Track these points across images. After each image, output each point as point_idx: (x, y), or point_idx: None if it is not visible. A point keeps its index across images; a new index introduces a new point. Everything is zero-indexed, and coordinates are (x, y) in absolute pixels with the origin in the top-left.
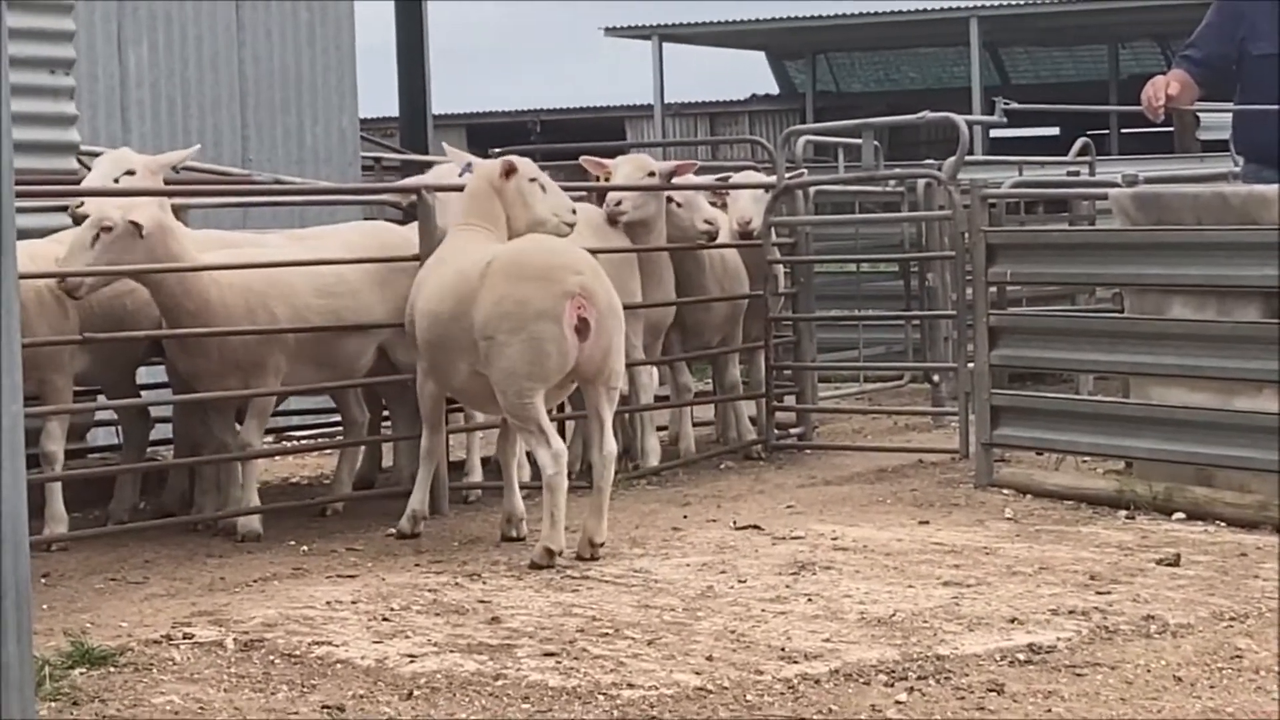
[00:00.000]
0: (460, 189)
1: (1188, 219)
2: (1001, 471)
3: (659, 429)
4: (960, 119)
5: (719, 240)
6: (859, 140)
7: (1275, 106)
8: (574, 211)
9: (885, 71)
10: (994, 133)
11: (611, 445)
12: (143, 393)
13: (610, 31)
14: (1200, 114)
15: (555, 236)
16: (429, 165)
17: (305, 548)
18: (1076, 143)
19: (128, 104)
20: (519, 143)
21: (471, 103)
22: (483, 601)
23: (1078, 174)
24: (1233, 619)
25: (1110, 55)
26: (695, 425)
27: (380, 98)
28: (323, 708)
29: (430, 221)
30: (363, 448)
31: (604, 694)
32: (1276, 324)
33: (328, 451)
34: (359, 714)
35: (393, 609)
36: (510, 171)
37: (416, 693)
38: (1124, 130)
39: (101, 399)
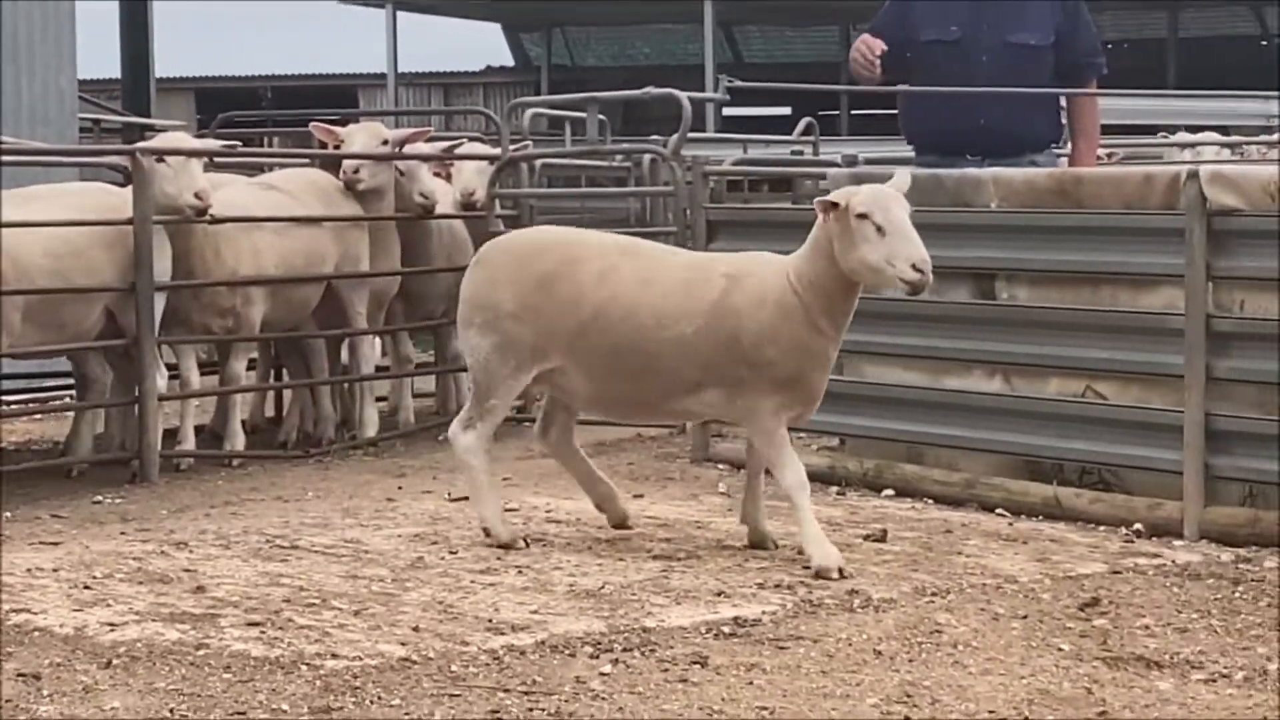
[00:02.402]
0: (192, 154)
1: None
2: (717, 447)
3: (379, 399)
4: (683, 95)
5: (444, 211)
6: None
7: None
8: (916, 266)
9: (620, 47)
10: (726, 111)
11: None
12: None
13: None
14: None
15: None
16: (150, 129)
17: (9, 514)
18: (801, 122)
19: None
20: (250, 109)
21: (200, 66)
22: (188, 570)
23: (801, 153)
24: (934, 594)
25: (842, 36)
26: (416, 397)
27: (103, 59)
28: (18, 676)
29: (145, 186)
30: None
31: (307, 664)
32: (985, 305)
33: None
34: (55, 683)
35: (95, 577)
36: (829, 209)
37: (115, 661)
38: (853, 111)
39: None
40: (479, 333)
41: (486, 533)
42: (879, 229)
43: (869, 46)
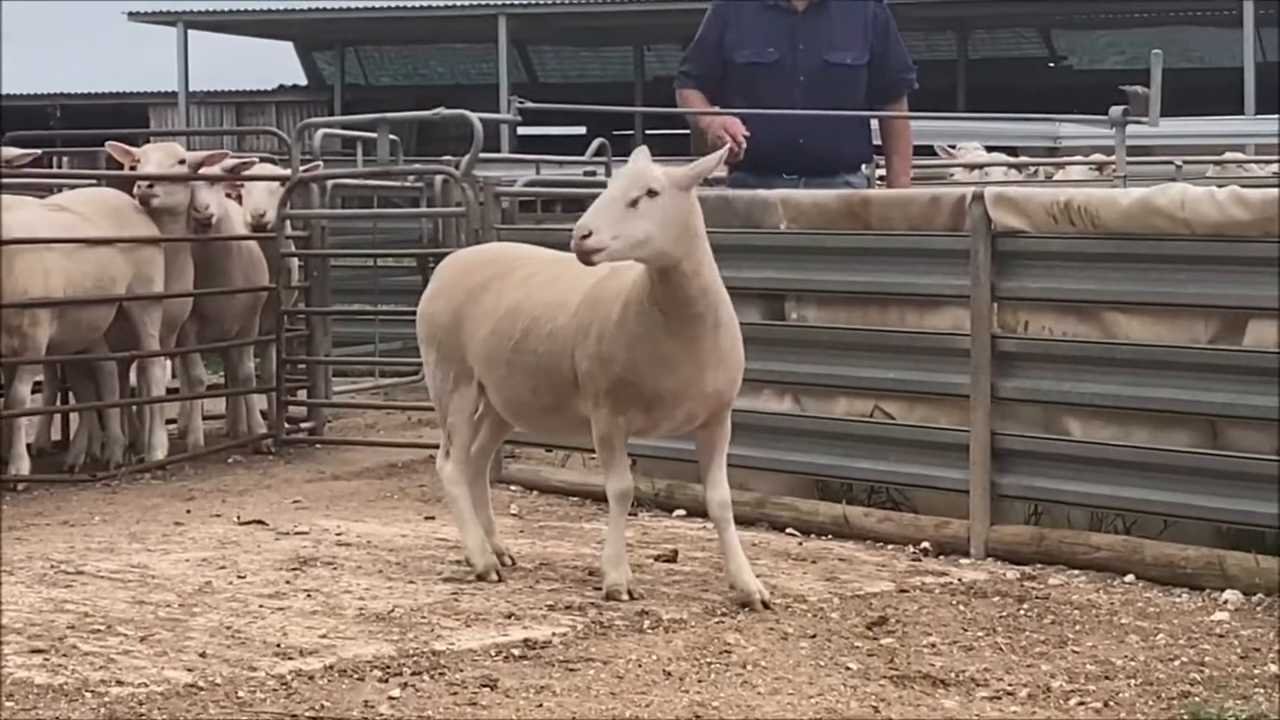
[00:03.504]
0: None
1: None
2: (510, 468)
3: (169, 422)
4: (474, 116)
5: (237, 231)
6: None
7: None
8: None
9: (414, 66)
10: (521, 130)
11: None
12: None
13: (134, 16)
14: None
15: None
16: None
17: None
18: (594, 142)
19: None
20: (38, 128)
21: None
22: None
23: (594, 174)
24: (724, 614)
25: (636, 56)
26: (206, 419)
27: None
28: None
29: None
30: None
31: (91, 691)
32: (774, 325)
33: None
34: None
35: None
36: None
37: None
38: (648, 131)
39: None
40: (424, 347)
41: (467, 562)
42: None
43: (732, 134)
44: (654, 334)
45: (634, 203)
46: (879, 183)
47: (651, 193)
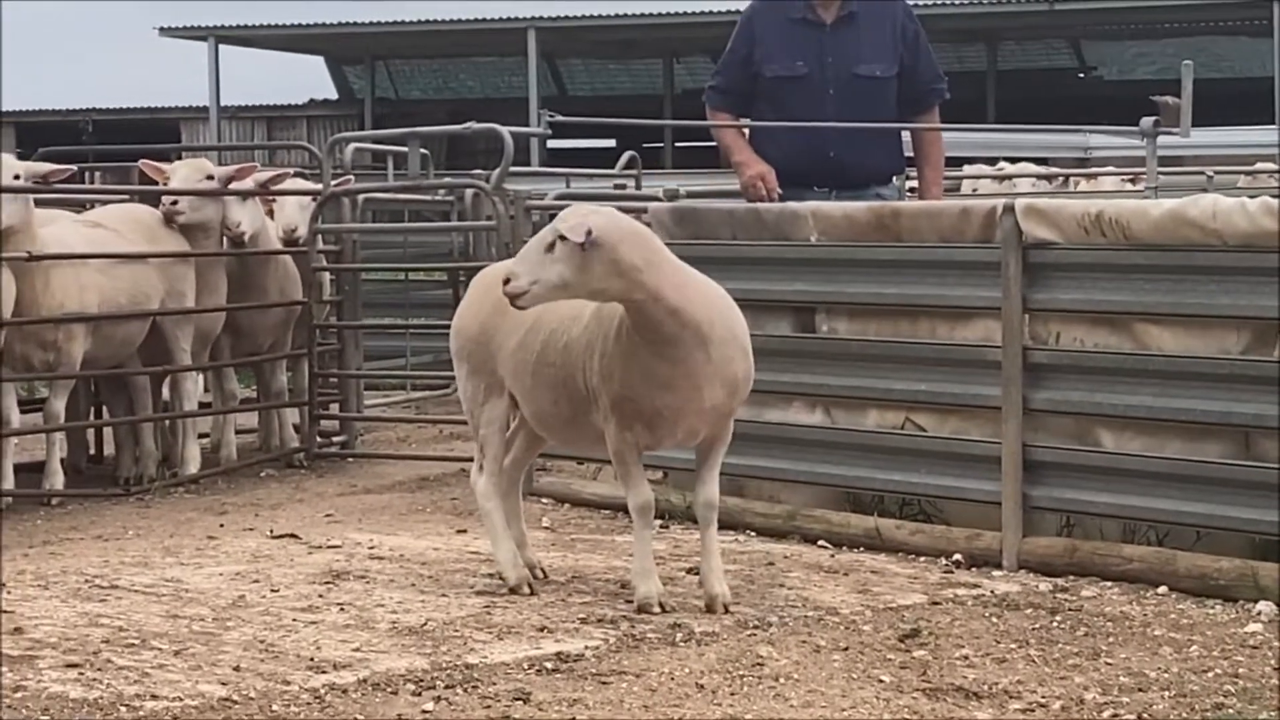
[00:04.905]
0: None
1: (724, 234)
2: (541, 480)
3: (201, 436)
4: (504, 130)
5: (271, 245)
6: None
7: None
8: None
9: (444, 79)
10: (551, 143)
11: None
12: None
13: (165, 32)
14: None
15: None
16: None
17: None
18: (624, 155)
19: None
20: (70, 143)
21: (19, 100)
22: (6, 611)
23: (624, 187)
24: (756, 627)
25: (665, 69)
26: (239, 432)
27: None
28: None
29: None
30: None
31: (126, 705)
32: (805, 338)
33: None
34: None
35: None
36: None
37: None
38: (677, 144)
39: None
40: (456, 361)
41: (499, 575)
42: None
43: (768, 187)
44: (643, 355)
45: (551, 246)
46: (910, 194)
47: (564, 238)
